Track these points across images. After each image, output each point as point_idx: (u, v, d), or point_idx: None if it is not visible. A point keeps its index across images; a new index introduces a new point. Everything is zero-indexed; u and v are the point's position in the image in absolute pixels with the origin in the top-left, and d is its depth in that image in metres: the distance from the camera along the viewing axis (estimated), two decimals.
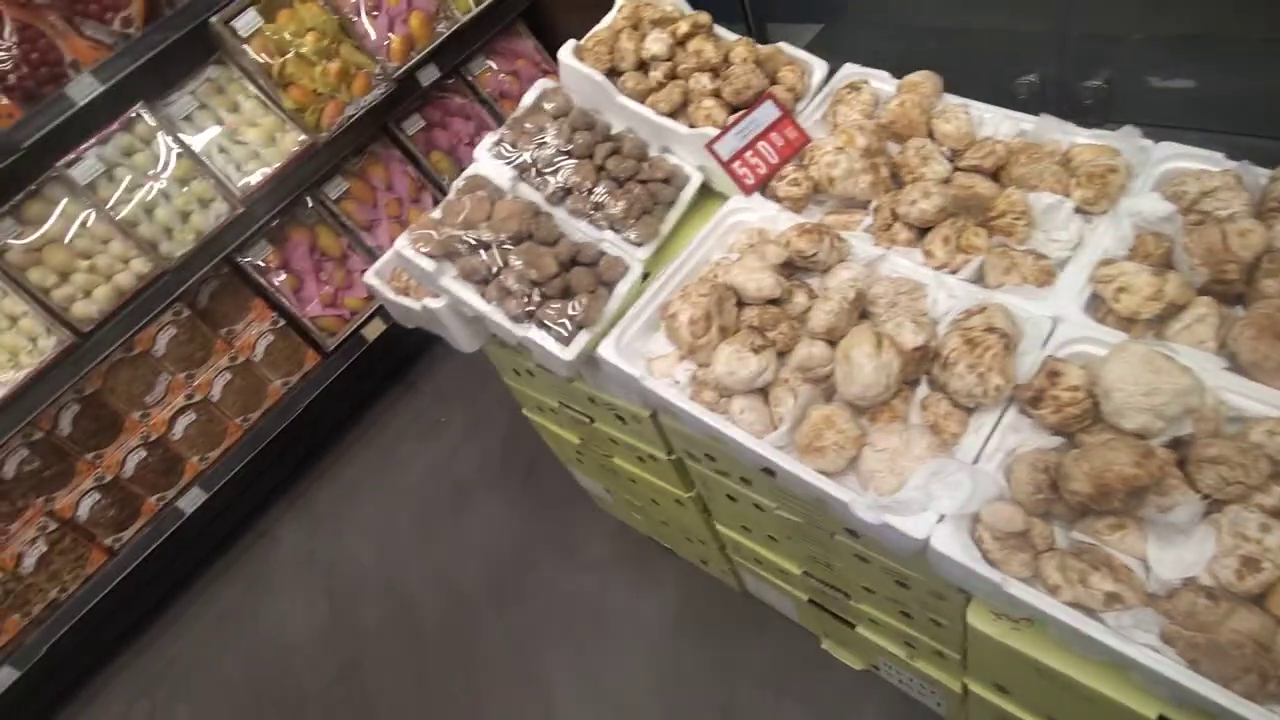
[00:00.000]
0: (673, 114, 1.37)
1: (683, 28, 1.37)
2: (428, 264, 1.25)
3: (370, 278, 1.50)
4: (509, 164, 1.35)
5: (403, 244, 1.26)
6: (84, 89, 2.04)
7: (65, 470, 2.26)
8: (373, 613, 2.27)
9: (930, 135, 1.26)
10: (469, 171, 1.35)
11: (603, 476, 1.87)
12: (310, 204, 2.48)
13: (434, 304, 1.33)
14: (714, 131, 1.30)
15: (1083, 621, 0.80)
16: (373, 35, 2.33)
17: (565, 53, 1.39)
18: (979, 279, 1.13)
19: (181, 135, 2.23)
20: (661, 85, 1.36)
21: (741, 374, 1.02)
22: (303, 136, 2.30)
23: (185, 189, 2.23)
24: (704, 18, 1.40)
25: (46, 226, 2.08)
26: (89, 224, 2.14)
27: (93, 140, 2.10)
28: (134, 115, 2.15)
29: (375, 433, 2.78)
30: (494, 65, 2.62)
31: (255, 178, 2.28)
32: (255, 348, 2.48)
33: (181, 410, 2.40)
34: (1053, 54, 1.61)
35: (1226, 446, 0.81)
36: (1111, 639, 0.78)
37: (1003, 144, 1.20)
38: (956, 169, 1.23)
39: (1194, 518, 0.81)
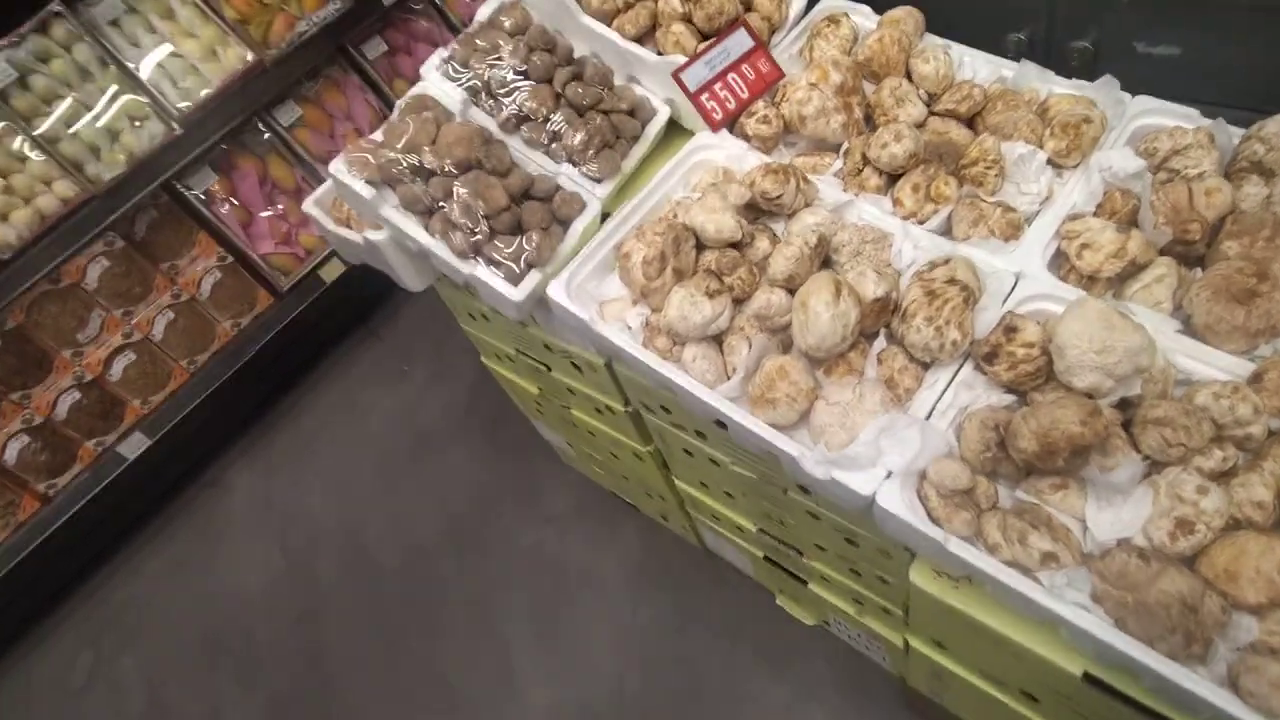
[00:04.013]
0: (640, 39, 1.32)
1: None
2: (365, 190, 1.22)
3: (309, 206, 1.45)
4: (459, 85, 1.30)
5: (338, 167, 1.22)
6: None
7: None
8: (329, 564, 2.31)
9: (908, 75, 1.24)
10: (414, 91, 1.30)
11: (563, 429, 1.88)
12: (261, 130, 2.38)
13: (375, 236, 1.30)
14: (683, 60, 1.26)
15: (1017, 580, 0.83)
16: None
17: None
18: (946, 230, 1.13)
19: (106, 42, 2.11)
20: (629, 6, 1.31)
21: (694, 319, 1.02)
22: (249, 53, 2.19)
23: (114, 104, 2.13)
24: None
25: None
26: (2, 139, 2.04)
27: (1, 42, 1.98)
28: (50, 14, 2.02)
29: (334, 379, 2.77)
30: None
31: (195, 96, 2.18)
32: (200, 285, 2.43)
33: (119, 350, 2.35)
34: (1043, 11, 1.60)
35: (1172, 408, 0.83)
36: (1041, 596, 0.82)
37: (980, 89, 1.18)
38: (932, 113, 1.21)
39: (1134, 479, 0.83)
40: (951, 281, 0.98)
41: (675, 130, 1.35)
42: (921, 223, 1.14)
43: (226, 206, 2.40)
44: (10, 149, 2.06)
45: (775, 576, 1.59)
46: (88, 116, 2.11)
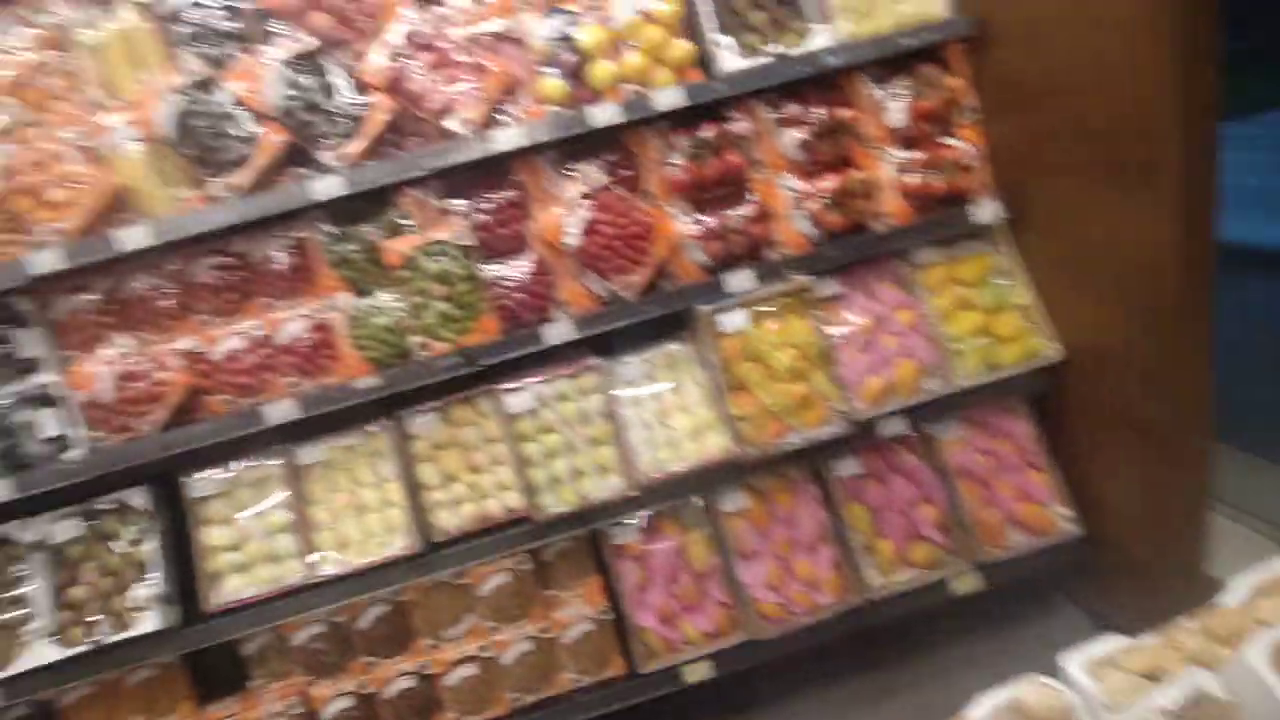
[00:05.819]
0: None
1: None
2: None
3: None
4: None
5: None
6: (558, 333, 2.14)
7: (339, 664, 2.22)
8: None
9: None
10: None
11: None
12: (699, 507, 2.26)
13: None
14: None
15: None
16: (849, 370, 2.12)
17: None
18: None
19: (617, 400, 2.21)
20: None
21: None
22: (731, 444, 2.12)
23: (593, 451, 2.18)
24: None
25: (458, 431, 2.20)
26: (494, 445, 2.18)
27: (540, 378, 2.18)
28: (587, 368, 2.20)
29: None
30: (969, 436, 2.22)
31: (665, 467, 2.13)
32: (569, 628, 2.25)
33: (469, 659, 2.23)
34: None
35: None
36: None
37: None
38: None
39: None
40: None
41: None
42: None
43: (632, 564, 2.25)
44: (492, 452, 2.20)
45: None
46: (566, 453, 2.18)
